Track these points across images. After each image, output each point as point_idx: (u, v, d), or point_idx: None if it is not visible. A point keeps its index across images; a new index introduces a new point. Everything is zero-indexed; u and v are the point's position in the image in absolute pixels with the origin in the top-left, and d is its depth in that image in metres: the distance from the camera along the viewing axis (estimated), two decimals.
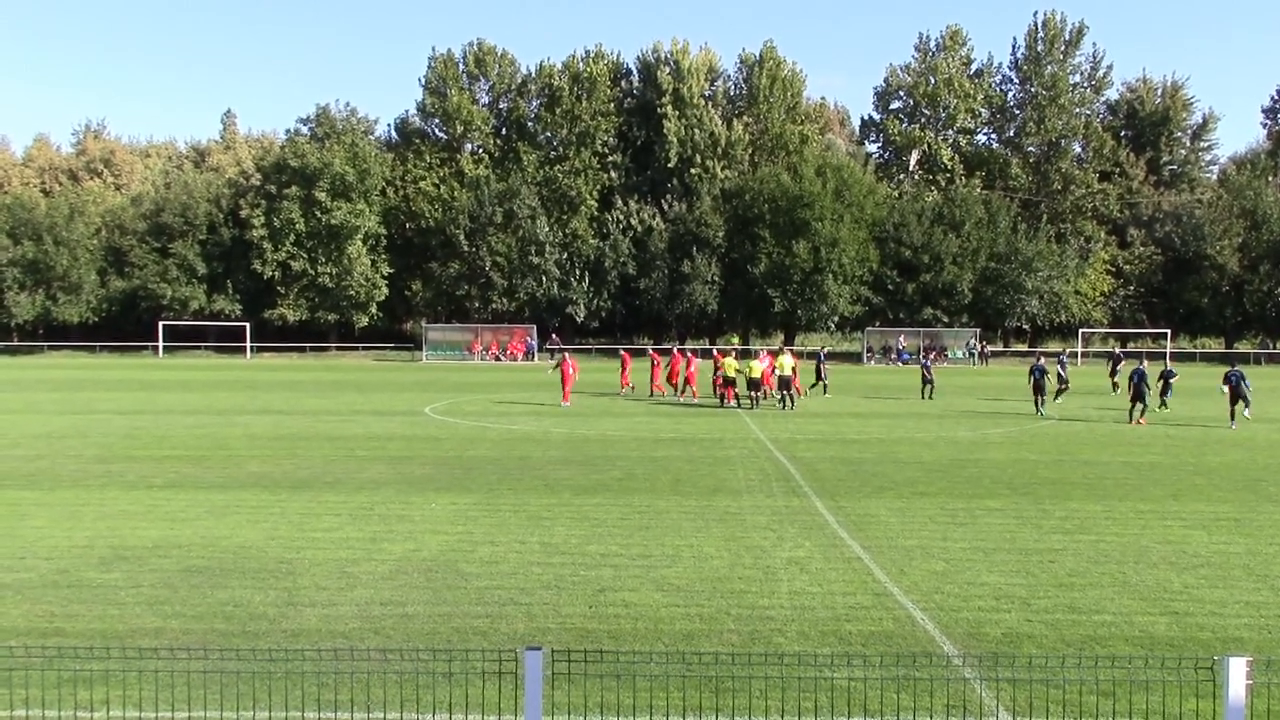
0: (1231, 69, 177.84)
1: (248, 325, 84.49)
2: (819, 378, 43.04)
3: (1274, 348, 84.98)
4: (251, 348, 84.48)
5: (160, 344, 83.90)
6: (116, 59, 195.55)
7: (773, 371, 37.29)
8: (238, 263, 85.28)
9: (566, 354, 42.15)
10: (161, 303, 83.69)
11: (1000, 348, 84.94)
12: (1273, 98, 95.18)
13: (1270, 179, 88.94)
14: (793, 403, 36.26)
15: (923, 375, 43.91)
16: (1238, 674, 5.95)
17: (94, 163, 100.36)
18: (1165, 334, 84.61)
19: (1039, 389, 35.52)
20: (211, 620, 10.86)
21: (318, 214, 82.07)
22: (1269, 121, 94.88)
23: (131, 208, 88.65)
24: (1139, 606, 11.58)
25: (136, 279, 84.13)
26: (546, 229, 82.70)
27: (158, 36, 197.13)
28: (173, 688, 8.35)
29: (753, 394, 37.11)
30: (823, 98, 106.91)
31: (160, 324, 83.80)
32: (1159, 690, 8.75)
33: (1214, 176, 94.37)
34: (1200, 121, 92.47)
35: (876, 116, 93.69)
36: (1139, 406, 32.34)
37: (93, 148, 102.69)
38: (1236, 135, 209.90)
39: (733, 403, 36.84)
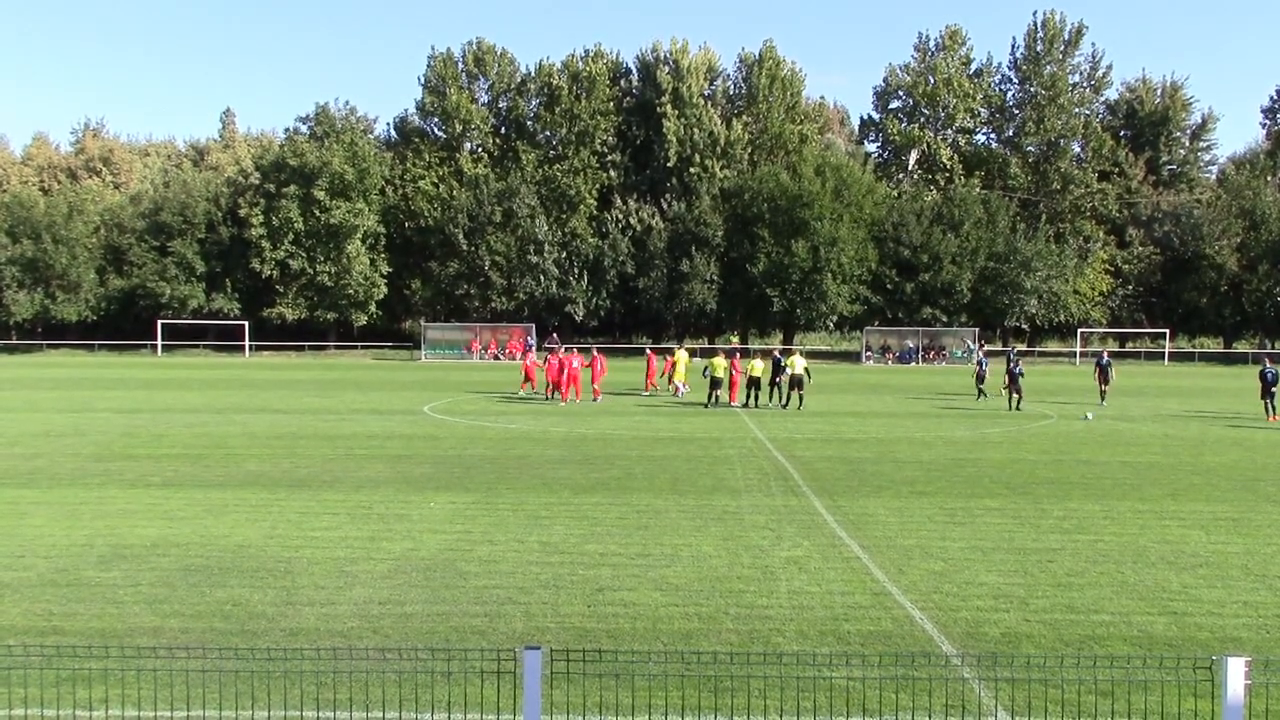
0: (1231, 69, 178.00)
1: (246, 324, 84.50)
2: (1013, 383, 42.86)
3: (1273, 347, 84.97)
4: (250, 346, 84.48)
5: (159, 342, 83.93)
6: (116, 58, 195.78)
7: (671, 368, 41.56)
8: (236, 261, 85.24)
9: (563, 350, 42.39)
10: (160, 301, 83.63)
11: (999, 347, 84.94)
12: (1272, 98, 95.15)
13: (1269, 179, 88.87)
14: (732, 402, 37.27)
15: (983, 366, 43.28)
16: (1236, 674, 5.95)
17: (93, 161, 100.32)
18: (1164, 334, 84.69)
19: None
20: (210, 619, 10.87)
21: (316, 213, 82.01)
22: (1268, 121, 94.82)
23: (130, 206, 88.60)
24: (1137, 606, 11.58)
25: (135, 277, 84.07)
26: (545, 228, 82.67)
27: (157, 35, 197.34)
28: (171, 686, 8.36)
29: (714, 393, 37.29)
30: (822, 97, 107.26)
31: (159, 322, 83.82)
32: (1157, 690, 8.75)
33: (1213, 176, 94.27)
34: (1199, 121, 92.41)
35: (876, 116, 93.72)
36: (1267, 403, 34.71)
37: (92, 146, 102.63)
38: (1236, 135, 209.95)
39: (735, 404, 36.96)
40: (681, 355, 42.53)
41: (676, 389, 41.37)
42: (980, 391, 41.68)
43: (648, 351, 47.00)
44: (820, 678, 9.09)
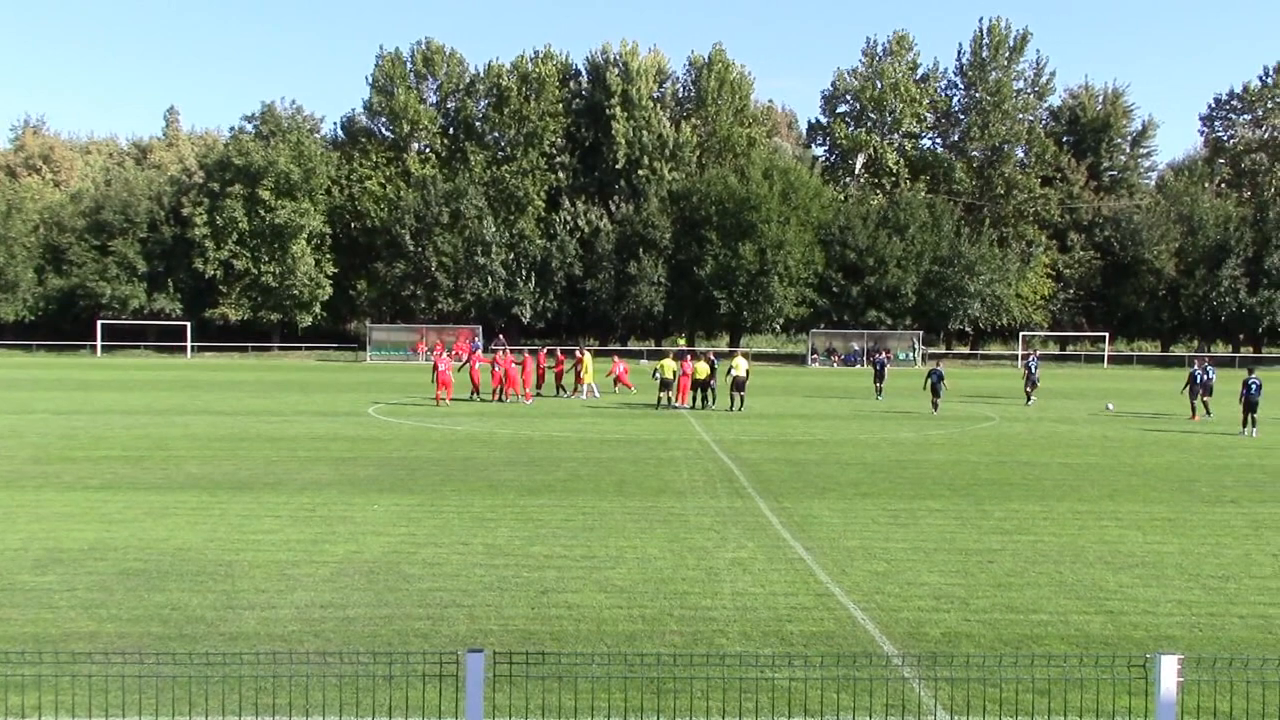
0: (1171, 77, 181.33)
1: (188, 324, 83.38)
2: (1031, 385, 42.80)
3: (1209, 351, 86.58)
4: (192, 347, 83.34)
5: (99, 343, 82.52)
6: (57, 54, 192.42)
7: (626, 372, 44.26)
8: (179, 261, 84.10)
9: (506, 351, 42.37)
10: (100, 301, 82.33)
11: (943, 350, 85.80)
12: (1210, 106, 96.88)
13: (1206, 185, 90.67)
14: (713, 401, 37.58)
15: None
16: (1169, 672, 6.06)
17: (33, 159, 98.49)
18: (1104, 337, 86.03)
19: (936, 391, 36.95)
20: (148, 624, 10.71)
21: (261, 212, 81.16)
22: (1206, 129, 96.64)
23: (71, 205, 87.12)
24: (1075, 606, 11.76)
25: (75, 277, 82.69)
26: (493, 229, 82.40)
27: (100, 31, 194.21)
28: (107, 692, 8.22)
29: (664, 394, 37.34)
30: (770, 101, 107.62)
31: (99, 323, 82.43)
32: (1093, 688, 8.89)
33: (1152, 183, 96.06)
34: (1140, 128, 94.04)
35: (823, 120, 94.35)
36: (1249, 416, 31.10)
37: (31, 144, 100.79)
38: (1175, 142, 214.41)
39: (686, 404, 37.10)
40: (587, 357, 42.78)
41: (590, 390, 41.67)
42: (878, 390, 44.45)
43: (558, 353, 46.26)
44: (763, 679, 9.15)
